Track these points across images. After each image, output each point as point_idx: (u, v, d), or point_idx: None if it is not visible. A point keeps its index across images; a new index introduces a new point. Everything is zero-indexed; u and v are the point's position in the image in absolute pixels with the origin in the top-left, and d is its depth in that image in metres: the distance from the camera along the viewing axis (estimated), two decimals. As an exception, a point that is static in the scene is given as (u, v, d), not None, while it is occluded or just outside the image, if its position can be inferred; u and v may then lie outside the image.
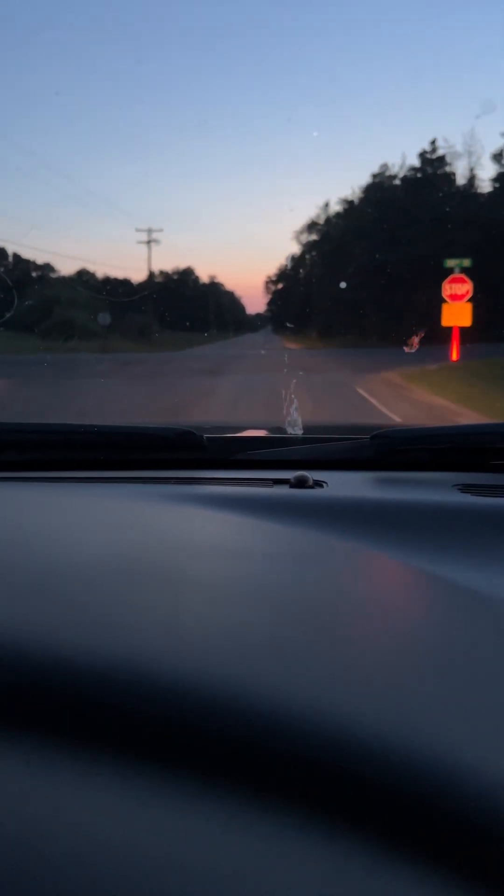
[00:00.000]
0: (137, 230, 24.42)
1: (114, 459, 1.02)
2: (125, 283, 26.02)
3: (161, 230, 25.08)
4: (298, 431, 1.10)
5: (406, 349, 1.54)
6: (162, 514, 0.66)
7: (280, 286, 35.32)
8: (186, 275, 39.39)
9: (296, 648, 0.35)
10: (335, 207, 33.91)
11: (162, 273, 37.20)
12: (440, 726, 0.29)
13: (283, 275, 35.16)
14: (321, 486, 0.88)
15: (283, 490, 0.84)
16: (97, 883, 0.20)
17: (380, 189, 27.65)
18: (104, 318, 17.64)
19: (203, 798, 0.25)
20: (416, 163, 28.72)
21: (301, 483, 0.87)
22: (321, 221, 29.88)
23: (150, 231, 23.75)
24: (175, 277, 39.28)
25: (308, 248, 30.11)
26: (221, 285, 38.44)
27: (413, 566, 0.58)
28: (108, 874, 0.21)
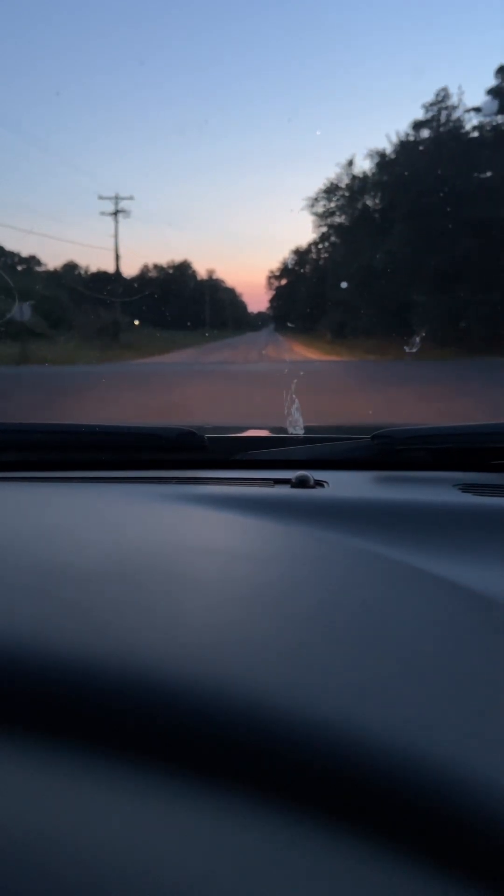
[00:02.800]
0: (101, 198, 18.54)
1: (115, 459, 1.03)
2: (118, 278, 20.10)
3: (131, 198, 19.11)
4: (299, 431, 1.10)
5: (407, 349, 1.40)
6: (163, 513, 0.68)
7: (284, 282, 29.89)
8: (183, 269, 34.03)
9: (297, 649, 0.35)
10: (364, 164, 27.10)
11: (156, 267, 32.52)
12: (441, 727, 0.30)
13: (287, 269, 29.44)
14: (322, 485, 0.88)
15: (285, 490, 0.85)
16: (97, 884, 0.21)
17: (436, 126, 19.48)
18: (21, 312, 11.31)
19: (204, 799, 0.25)
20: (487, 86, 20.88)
21: (302, 483, 0.88)
22: (343, 184, 22.91)
23: (116, 199, 17.66)
24: (170, 271, 33.87)
25: (326, 220, 23.36)
26: (221, 281, 34.02)
27: (414, 566, 0.58)
28: (108, 875, 0.21)
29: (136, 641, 0.33)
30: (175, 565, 0.47)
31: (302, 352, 17.15)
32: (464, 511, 0.74)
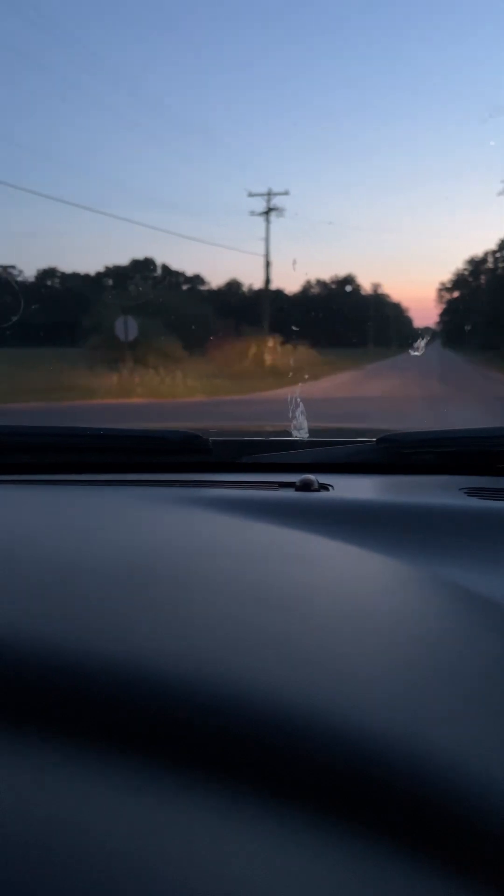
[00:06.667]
0: (251, 195, 15.73)
1: (120, 463, 1.03)
2: (267, 291, 17.47)
3: (286, 192, 16.17)
4: (304, 435, 1.09)
5: (412, 352, 1.39)
6: (167, 517, 0.68)
7: (456, 294, 25.83)
8: (346, 284, 31.03)
9: (301, 651, 0.36)
10: None
11: (319, 282, 30.21)
12: (445, 728, 0.30)
13: (461, 280, 25.23)
14: (327, 489, 0.88)
15: (289, 493, 0.84)
16: (99, 880, 0.20)
17: None
18: (125, 328, 8.37)
19: (206, 798, 0.25)
20: None
21: (306, 486, 0.87)
22: None
23: (269, 195, 14.73)
24: (333, 287, 31.17)
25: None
26: (387, 296, 30.82)
27: (419, 570, 0.58)
28: (108, 873, 0.21)
29: (142, 643, 0.33)
30: (179, 568, 0.48)
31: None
32: (469, 515, 0.74)
